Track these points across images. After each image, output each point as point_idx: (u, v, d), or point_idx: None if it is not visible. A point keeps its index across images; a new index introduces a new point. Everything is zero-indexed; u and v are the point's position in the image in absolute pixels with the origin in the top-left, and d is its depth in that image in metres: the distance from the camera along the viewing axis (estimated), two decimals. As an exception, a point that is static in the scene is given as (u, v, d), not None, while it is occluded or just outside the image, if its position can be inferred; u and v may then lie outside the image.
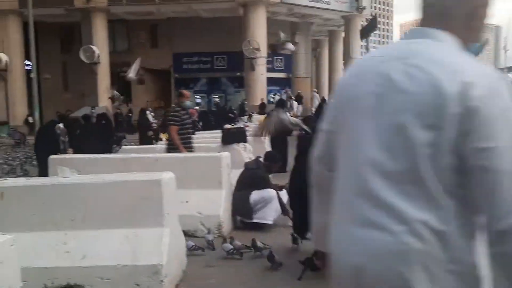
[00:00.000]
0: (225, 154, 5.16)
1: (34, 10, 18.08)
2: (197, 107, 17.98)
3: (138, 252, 3.35)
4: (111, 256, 3.33)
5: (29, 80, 20.24)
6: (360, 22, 24.40)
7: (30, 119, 19.62)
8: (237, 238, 4.38)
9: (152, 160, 5.35)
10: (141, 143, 12.97)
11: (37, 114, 18.53)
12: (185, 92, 6.55)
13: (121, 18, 21.79)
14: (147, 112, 16.27)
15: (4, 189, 3.47)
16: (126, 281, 3.28)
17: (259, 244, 3.96)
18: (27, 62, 20.55)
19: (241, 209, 4.98)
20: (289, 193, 3.56)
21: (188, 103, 6.47)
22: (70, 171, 3.64)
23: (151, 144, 12.47)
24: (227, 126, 7.03)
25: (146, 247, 3.37)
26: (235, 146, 6.63)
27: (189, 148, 6.06)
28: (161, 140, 12.47)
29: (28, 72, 20.42)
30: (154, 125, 14.68)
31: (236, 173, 5.40)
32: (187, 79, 24.34)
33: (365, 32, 23.00)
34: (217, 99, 23.71)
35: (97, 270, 3.30)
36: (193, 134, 6.76)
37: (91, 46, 19.54)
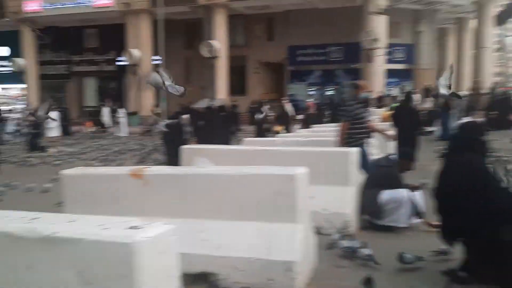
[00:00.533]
0: (353, 150, 4.94)
1: (163, 9, 19.54)
2: (312, 100, 17.81)
3: (271, 246, 3.32)
4: (245, 248, 3.34)
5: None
6: (493, 8, 21.95)
7: (157, 110, 21.27)
8: (365, 239, 4.16)
9: (277, 153, 5.34)
10: (257, 136, 13.27)
11: (163, 105, 20.06)
12: (361, 83, 6.11)
13: (240, 13, 22.45)
14: (263, 105, 16.54)
15: (149, 176, 3.68)
16: (259, 275, 3.27)
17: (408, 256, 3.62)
18: (154, 57, 22.30)
19: (370, 208, 4.70)
20: (436, 195, 3.22)
21: (365, 94, 6.09)
22: (207, 162, 3.75)
23: (265, 136, 12.71)
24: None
25: (279, 242, 3.32)
26: (360, 141, 6.31)
27: (362, 143, 5.78)
28: (277, 132, 12.66)
29: (156, 66, 22.19)
30: (269, 118, 14.91)
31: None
32: (301, 72, 24.30)
33: (501, 19, 20.60)
34: (331, 92, 23.26)
35: (231, 261, 3.34)
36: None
37: (211, 41, 20.46)
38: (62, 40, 27.12)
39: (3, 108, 21.66)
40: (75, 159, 11.46)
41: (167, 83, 10.20)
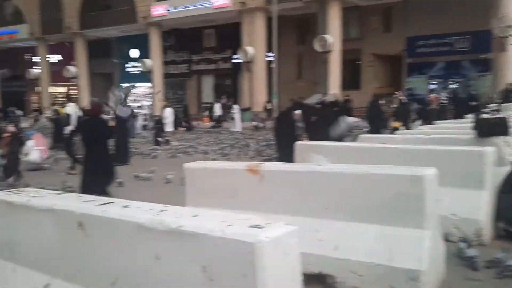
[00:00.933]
0: (490, 149, 4.40)
1: (277, 6, 19.75)
2: (435, 94, 16.55)
3: (393, 252, 3.08)
4: (365, 252, 3.15)
5: (268, 70, 22.43)
6: None
7: (269, 106, 21.66)
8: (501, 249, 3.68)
9: (399, 151, 5.00)
10: (372, 132, 12.69)
11: (275, 101, 20.36)
12: None
13: (354, 4, 21.75)
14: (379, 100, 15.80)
15: (265, 172, 3.67)
16: (379, 282, 3.06)
17: None
18: (268, 54, 22.69)
19: (508, 215, 4.16)
20: None
21: None
22: (323, 159, 3.61)
23: (380, 133, 12.08)
24: (485, 115, 6.01)
25: (403, 248, 3.06)
26: (495, 139, 5.62)
27: None
28: (396, 129, 11.96)
29: (268, 63, 22.59)
30: (386, 113, 14.20)
31: (497, 171, 4.56)
32: (420, 64, 22.73)
33: None
34: (455, 85, 21.35)
35: (349, 264, 3.18)
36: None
37: (324, 36, 20.13)
38: (183, 41, 29.06)
39: (134, 105, 23.94)
40: (194, 152, 12.15)
41: (115, 105, 10.23)
